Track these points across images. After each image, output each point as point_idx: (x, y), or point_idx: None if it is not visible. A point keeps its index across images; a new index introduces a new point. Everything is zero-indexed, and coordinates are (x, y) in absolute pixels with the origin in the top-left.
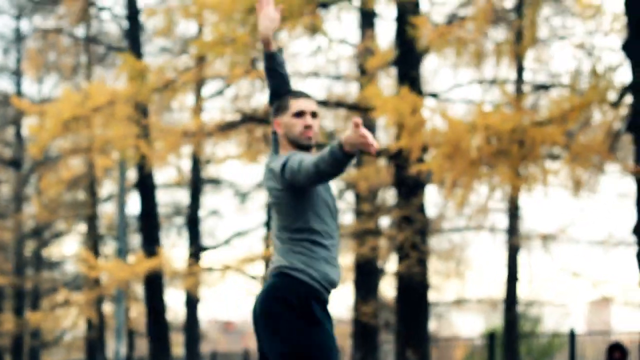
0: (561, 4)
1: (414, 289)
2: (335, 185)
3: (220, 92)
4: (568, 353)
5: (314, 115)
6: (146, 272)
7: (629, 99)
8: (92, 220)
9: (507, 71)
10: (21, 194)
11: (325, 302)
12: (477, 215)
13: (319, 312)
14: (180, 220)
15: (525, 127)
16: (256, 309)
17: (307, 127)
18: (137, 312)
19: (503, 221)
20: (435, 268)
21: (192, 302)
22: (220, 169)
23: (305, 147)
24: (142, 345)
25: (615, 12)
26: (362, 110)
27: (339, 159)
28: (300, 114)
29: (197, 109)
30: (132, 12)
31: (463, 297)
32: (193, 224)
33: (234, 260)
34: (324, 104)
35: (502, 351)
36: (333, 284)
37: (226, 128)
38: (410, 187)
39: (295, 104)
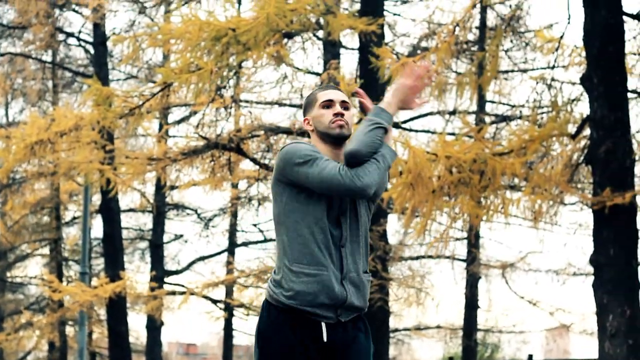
0: (522, 38)
1: (375, 315)
2: None
3: (185, 119)
4: None
5: (344, 106)
6: (109, 295)
7: (587, 131)
8: (56, 243)
9: (469, 102)
10: None
11: (300, 322)
12: (438, 243)
13: (267, 343)
14: (143, 244)
15: (485, 158)
16: None
17: (337, 114)
18: (100, 335)
19: (463, 250)
20: (396, 295)
21: (154, 325)
22: (184, 195)
23: (337, 139)
24: None
25: (574, 46)
26: None
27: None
28: (328, 105)
29: (162, 135)
30: (99, 39)
31: (423, 324)
32: (156, 248)
33: (197, 285)
34: (288, 132)
35: None
36: (306, 299)
37: (190, 154)
38: (372, 215)
39: (323, 95)
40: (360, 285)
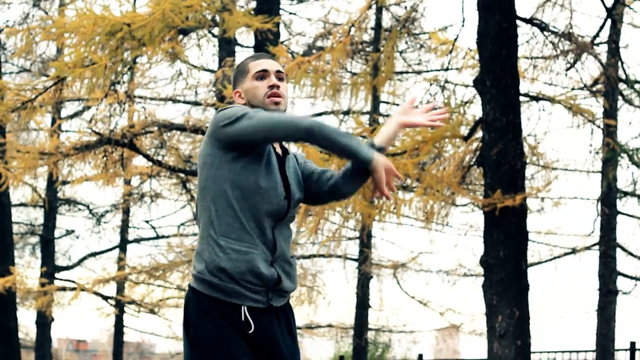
0: (417, 39)
1: None
2: (190, 210)
3: (78, 114)
4: None
5: (279, 76)
6: None
7: (479, 133)
8: None
9: (363, 103)
10: None
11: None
12: (330, 242)
13: (197, 331)
14: (34, 239)
15: None
16: None
17: (272, 87)
18: None
19: (355, 249)
20: None
21: (44, 321)
22: (76, 190)
23: None
24: None
25: (468, 49)
26: None
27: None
28: (262, 75)
29: (55, 130)
30: None
31: (314, 322)
32: (47, 243)
33: (88, 281)
34: (181, 129)
35: None
36: (233, 277)
37: (83, 149)
38: None
39: (255, 65)
40: (289, 269)
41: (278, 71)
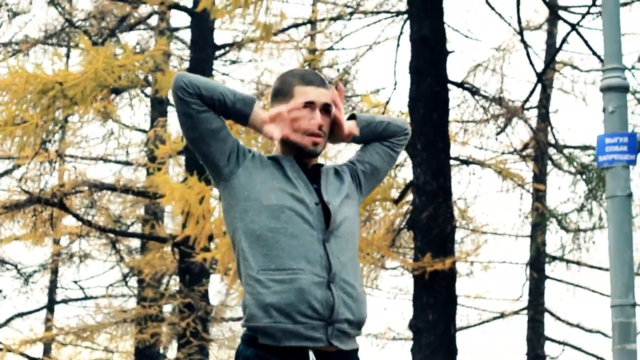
0: (349, 102)
1: None
2: (119, 271)
3: (8, 172)
4: None
5: (326, 109)
6: None
7: (410, 196)
8: None
9: None
10: None
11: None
12: None
13: None
14: None
15: None
16: None
17: (315, 125)
18: None
19: None
20: (216, 357)
21: None
22: (5, 249)
23: (307, 155)
24: None
25: (400, 112)
26: (150, 196)
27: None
28: (307, 107)
29: None
30: None
31: None
32: None
33: (14, 342)
34: (112, 189)
35: None
36: (284, 312)
37: (12, 208)
38: (194, 275)
39: (302, 92)
40: (353, 294)
41: (326, 104)
